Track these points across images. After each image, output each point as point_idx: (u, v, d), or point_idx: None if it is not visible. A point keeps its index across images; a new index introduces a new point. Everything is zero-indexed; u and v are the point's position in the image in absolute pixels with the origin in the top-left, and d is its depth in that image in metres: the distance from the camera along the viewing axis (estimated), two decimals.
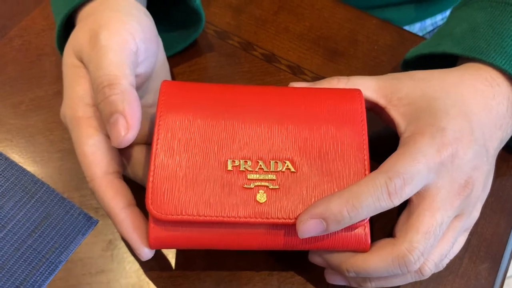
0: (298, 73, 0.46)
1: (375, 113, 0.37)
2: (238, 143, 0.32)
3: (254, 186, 0.31)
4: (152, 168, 0.32)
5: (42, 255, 0.37)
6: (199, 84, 0.35)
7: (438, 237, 0.31)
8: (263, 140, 0.33)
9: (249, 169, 0.32)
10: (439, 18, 0.68)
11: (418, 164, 0.30)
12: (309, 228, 0.30)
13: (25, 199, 0.39)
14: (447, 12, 0.67)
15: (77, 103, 0.34)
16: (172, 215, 0.31)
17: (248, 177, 0.32)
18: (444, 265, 0.34)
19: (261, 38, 0.48)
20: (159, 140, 0.32)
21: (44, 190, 0.39)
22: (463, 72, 0.36)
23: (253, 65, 0.46)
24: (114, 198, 0.32)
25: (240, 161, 0.32)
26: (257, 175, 0.32)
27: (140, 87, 0.37)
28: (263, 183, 0.32)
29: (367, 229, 0.32)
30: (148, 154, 0.36)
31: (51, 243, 0.37)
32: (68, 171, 0.41)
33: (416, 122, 0.33)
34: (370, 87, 0.36)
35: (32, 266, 0.36)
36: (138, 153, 0.36)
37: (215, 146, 0.32)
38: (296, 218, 0.31)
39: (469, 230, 0.35)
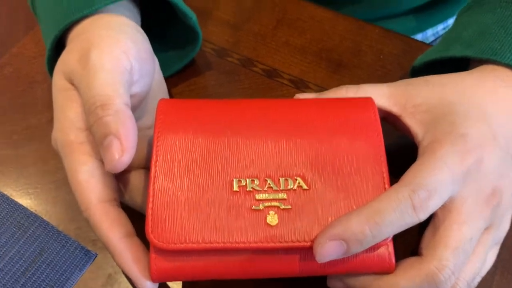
0: (301, 87, 0.44)
1: (389, 122, 0.35)
2: (243, 161, 0.30)
3: (264, 207, 0.29)
4: (151, 193, 0.29)
5: None
6: (199, 101, 0.33)
7: (468, 253, 0.28)
8: (271, 156, 0.30)
9: (257, 188, 0.29)
10: (441, 28, 0.67)
11: (441, 173, 0.28)
12: (328, 251, 0.27)
13: (18, 234, 0.36)
14: (449, 22, 0.66)
15: (68, 128, 0.31)
16: (175, 244, 0.28)
17: (257, 197, 0.29)
18: (476, 284, 0.31)
19: (261, 54, 0.46)
20: (157, 163, 0.30)
21: (38, 224, 0.37)
22: (479, 74, 0.34)
23: (254, 81, 0.44)
24: (111, 227, 0.30)
25: (246, 180, 0.29)
26: (266, 195, 0.29)
27: (137, 107, 0.35)
28: (273, 203, 0.29)
29: (391, 248, 0.29)
30: (147, 179, 0.33)
31: (47, 281, 0.34)
32: (63, 202, 0.38)
33: (434, 129, 0.31)
34: (382, 94, 0.33)
35: None
36: (136, 179, 0.34)
37: (218, 165, 0.30)
38: (312, 241, 0.28)
39: (499, 244, 0.32)
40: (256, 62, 0.46)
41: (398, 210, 0.27)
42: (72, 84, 0.32)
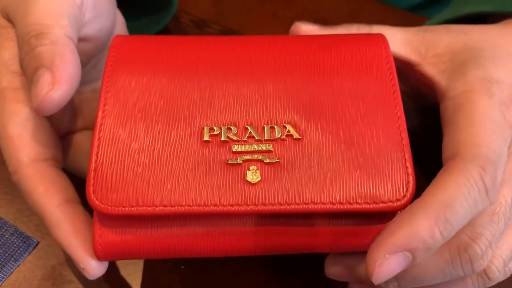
0: None
1: (402, 74, 0.29)
2: (217, 105, 0.24)
3: (243, 161, 0.23)
4: (95, 142, 0.23)
5: None
6: (163, 37, 0.27)
7: (508, 220, 0.22)
8: (254, 100, 0.24)
9: (234, 138, 0.23)
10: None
11: (497, 137, 0.23)
12: (390, 268, 0.21)
13: None
14: None
15: (0, 71, 0.25)
16: (125, 207, 0.22)
17: (234, 149, 0.23)
18: None
19: (246, 26, 0.41)
20: (106, 106, 0.24)
21: None
22: (504, 27, 0.30)
23: None
24: (46, 192, 0.24)
25: (221, 128, 0.23)
26: (246, 146, 0.23)
27: (92, 57, 0.29)
28: (254, 156, 0.23)
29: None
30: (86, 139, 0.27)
31: None
32: (2, 181, 0.32)
33: (463, 76, 0.26)
34: (398, 40, 0.29)
35: None
36: (83, 140, 0.28)
37: (185, 110, 0.24)
38: (305, 203, 0.22)
39: None
40: (239, 34, 0.40)
41: (471, 198, 0.21)
42: (9, 20, 0.27)
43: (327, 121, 0.23)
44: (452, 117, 0.24)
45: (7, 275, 0.28)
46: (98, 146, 0.23)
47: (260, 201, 0.22)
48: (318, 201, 0.22)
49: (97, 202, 0.22)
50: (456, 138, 0.23)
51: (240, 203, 0.22)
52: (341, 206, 0.22)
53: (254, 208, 0.22)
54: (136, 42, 0.26)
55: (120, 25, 0.32)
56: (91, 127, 0.28)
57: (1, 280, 0.27)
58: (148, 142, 0.23)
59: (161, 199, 0.22)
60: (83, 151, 0.27)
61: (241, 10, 0.43)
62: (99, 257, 0.23)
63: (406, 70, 0.29)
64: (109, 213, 0.22)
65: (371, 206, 0.22)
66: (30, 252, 0.29)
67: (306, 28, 0.29)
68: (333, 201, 0.22)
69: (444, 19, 0.34)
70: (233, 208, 0.22)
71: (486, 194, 0.21)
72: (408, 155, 0.23)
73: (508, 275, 0.25)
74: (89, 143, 0.27)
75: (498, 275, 0.23)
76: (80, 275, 0.28)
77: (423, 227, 0.20)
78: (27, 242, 0.29)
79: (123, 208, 0.22)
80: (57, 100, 0.23)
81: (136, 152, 0.23)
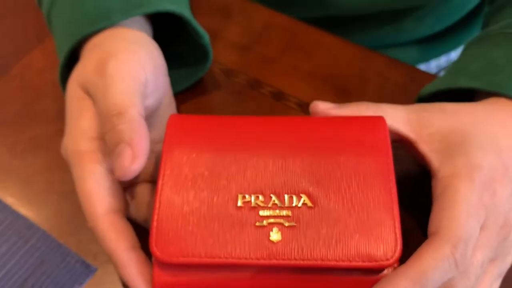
0: (308, 111, 0.44)
1: (404, 147, 0.35)
2: (249, 177, 0.30)
3: (267, 223, 0.29)
4: (157, 205, 0.29)
5: None
6: (208, 117, 0.33)
7: (477, 280, 0.29)
8: (277, 173, 0.30)
9: (261, 204, 0.29)
10: (444, 60, 0.68)
11: (472, 220, 0.29)
12: None
13: (19, 244, 0.36)
14: (452, 55, 0.68)
15: (79, 137, 0.32)
16: (178, 257, 0.28)
17: (260, 213, 0.29)
18: None
19: (269, 76, 0.47)
20: (164, 176, 0.30)
21: (40, 235, 0.37)
22: (491, 107, 0.35)
23: (260, 103, 0.45)
24: (117, 239, 0.30)
25: (251, 196, 0.29)
26: (271, 212, 0.29)
27: (146, 121, 0.35)
28: (277, 220, 0.29)
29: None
30: (153, 193, 0.34)
31: None
32: (65, 215, 0.38)
33: (451, 160, 0.31)
34: (400, 119, 0.34)
35: None
36: (142, 192, 0.34)
37: (224, 180, 0.30)
38: (315, 259, 0.28)
39: (502, 276, 0.32)
40: (263, 84, 0.46)
41: (443, 269, 0.27)
42: (87, 93, 0.33)
43: (334, 192, 0.30)
44: (439, 197, 0.30)
45: None
46: (159, 208, 0.29)
47: (280, 257, 0.28)
48: (326, 258, 0.28)
49: (157, 252, 0.28)
50: (439, 217, 0.29)
51: (265, 257, 0.28)
52: (343, 263, 0.28)
53: (276, 262, 0.28)
54: (188, 122, 0.32)
55: (168, 87, 0.38)
56: (144, 180, 0.35)
57: None
58: (196, 206, 0.29)
59: (205, 251, 0.28)
60: (143, 202, 0.33)
61: (265, 61, 0.48)
62: None
63: (406, 145, 0.35)
64: (166, 262, 0.28)
65: (366, 263, 0.28)
66: (91, 277, 0.35)
67: (323, 106, 0.34)
68: (337, 259, 0.28)
69: (438, 89, 0.39)
70: (259, 261, 0.28)
71: (456, 267, 0.27)
72: (397, 223, 0.29)
73: None
74: (145, 194, 0.34)
75: None
76: None
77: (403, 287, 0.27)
78: (88, 269, 0.35)
79: (176, 258, 0.28)
80: (136, 170, 0.29)
81: (187, 213, 0.29)
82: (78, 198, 0.36)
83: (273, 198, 0.30)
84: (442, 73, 0.67)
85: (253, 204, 0.29)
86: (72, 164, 0.32)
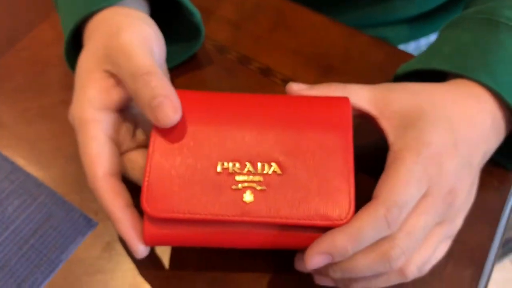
0: None
1: (367, 121, 0.39)
2: (228, 147, 0.34)
3: (242, 187, 0.33)
4: (148, 168, 0.34)
5: (44, 254, 0.38)
6: (195, 92, 0.37)
7: (419, 240, 0.33)
8: (252, 144, 0.35)
9: (238, 171, 0.34)
10: (433, 38, 0.70)
11: (410, 188, 0.32)
12: (315, 261, 0.32)
13: (29, 201, 0.41)
14: (431, 37, 0.69)
15: (86, 106, 0.35)
16: (165, 213, 0.33)
17: (236, 178, 0.33)
18: (427, 270, 0.36)
19: (258, 53, 0.50)
20: (155, 143, 0.34)
21: (48, 193, 0.41)
22: (452, 87, 0.38)
23: (249, 78, 0.49)
24: (114, 198, 0.34)
25: (229, 164, 0.34)
26: (245, 177, 0.33)
27: None
28: (250, 184, 0.33)
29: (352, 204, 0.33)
30: (142, 157, 0.38)
31: (52, 243, 0.39)
32: (70, 176, 0.43)
33: (404, 136, 0.34)
34: (364, 97, 0.37)
35: (34, 265, 0.38)
36: (140, 157, 0.38)
37: (206, 149, 0.34)
38: (281, 217, 0.32)
39: (452, 238, 0.36)
40: (252, 61, 0.50)
41: (376, 228, 0.31)
42: (103, 68, 0.36)
43: (300, 162, 0.34)
44: (387, 167, 0.34)
45: (77, 246, 0.39)
46: (149, 171, 0.33)
47: (252, 214, 0.33)
48: (290, 217, 0.33)
49: (148, 208, 0.33)
50: (381, 184, 0.33)
51: (239, 215, 0.33)
52: (304, 221, 0.33)
53: (247, 219, 0.33)
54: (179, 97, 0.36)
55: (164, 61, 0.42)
56: (141, 146, 0.39)
57: (73, 249, 0.39)
58: (181, 170, 0.34)
59: (188, 209, 0.33)
60: (137, 165, 0.37)
61: (254, 38, 0.52)
62: (146, 243, 0.34)
63: (371, 121, 0.38)
64: (155, 216, 0.33)
65: (324, 222, 0.33)
66: (92, 231, 0.40)
67: (296, 87, 0.38)
68: (299, 217, 0.33)
69: (412, 69, 0.41)
70: (234, 218, 0.33)
71: (388, 226, 0.31)
72: (352, 189, 0.33)
73: (423, 274, 0.36)
74: (141, 159, 0.38)
75: (412, 275, 0.33)
76: (127, 249, 0.39)
77: (340, 242, 0.31)
78: (90, 223, 0.40)
79: (164, 213, 0.33)
80: (177, 120, 0.34)
81: (174, 177, 0.33)
82: (81, 163, 0.40)
83: (248, 165, 0.34)
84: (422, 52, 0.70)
85: (230, 170, 0.34)
86: (77, 130, 0.36)
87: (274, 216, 0.33)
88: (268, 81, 0.48)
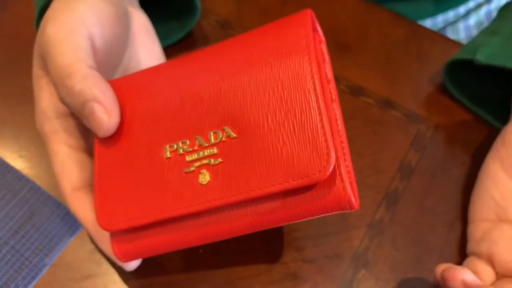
0: None
1: None
2: (174, 126, 0.28)
3: (195, 167, 0.27)
4: (96, 182, 0.29)
5: (25, 258, 0.34)
6: (126, 78, 0.32)
7: None
8: (199, 113, 0.28)
9: (187, 149, 0.28)
10: (451, 15, 0.65)
11: None
12: None
13: (9, 196, 0.36)
14: (460, 9, 0.65)
15: (42, 118, 0.32)
16: (121, 224, 0.28)
17: (187, 159, 0.28)
18: None
19: None
20: (99, 150, 0.30)
21: (29, 187, 0.37)
22: None
23: None
24: (85, 214, 0.31)
25: (177, 144, 0.28)
26: (196, 155, 0.27)
27: (108, 70, 0.34)
28: (203, 162, 0.27)
29: (346, 184, 0.26)
30: None
31: (35, 245, 0.35)
32: None
33: None
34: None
35: (14, 269, 0.34)
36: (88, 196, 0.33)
37: (153, 136, 0.29)
38: (253, 190, 0.25)
39: None
40: None
41: None
42: (43, 69, 0.32)
43: (256, 113, 0.26)
44: None
45: (63, 248, 0.35)
46: (97, 184, 0.29)
47: (212, 197, 0.26)
48: (256, 187, 0.26)
49: (104, 224, 0.28)
50: None
51: (197, 202, 0.27)
52: (274, 187, 0.25)
53: (208, 205, 0.26)
54: (119, 84, 0.31)
55: (155, 41, 0.37)
56: None
57: (59, 252, 0.35)
58: (130, 172, 0.28)
59: (144, 212, 0.28)
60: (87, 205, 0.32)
61: (262, 11, 0.47)
62: (120, 260, 0.30)
63: None
64: (113, 230, 0.28)
65: (298, 181, 0.25)
66: (80, 231, 0.36)
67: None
68: (268, 184, 0.25)
69: (491, 63, 0.35)
70: (193, 208, 0.27)
71: None
72: (327, 129, 0.25)
73: None
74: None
75: None
76: None
77: None
78: (78, 222, 0.36)
79: (120, 225, 0.28)
80: (115, 124, 0.29)
81: (124, 182, 0.28)
82: None
83: (198, 139, 0.28)
84: (448, 28, 0.65)
85: (179, 151, 0.28)
86: (43, 144, 0.32)
87: (238, 192, 0.26)
88: None
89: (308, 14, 0.28)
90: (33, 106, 0.41)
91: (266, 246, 0.35)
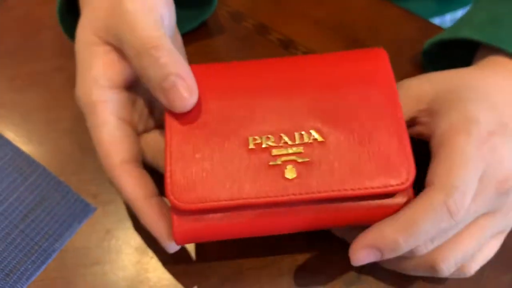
0: None
1: None
2: (257, 119, 0.30)
3: (281, 162, 0.29)
4: (168, 155, 0.29)
5: (35, 242, 0.34)
6: (211, 65, 0.32)
7: (455, 229, 0.29)
8: (285, 112, 0.30)
9: (273, 144, 0.29)
10: (460, 14, 0.66)
11: (469, 169, 0.28)
12: (362, 257, 0.28)
13: (19, 180, 0.36)
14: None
15: (92, 86, 0.31)
16: (196, 204, 0.28)
17: (273, 153, 0.29)
18: (472, 271, 0.31)
19: (278, 22, 0.45)
20: (172, 124, 0.29)
21: (40, 172, 0.37)
22: (483, 69, 0.34)
23: (268, 50, 0.44)
24: (134, 188, 0.30)
25: (262, 138, 0.29)
26: (283, 150, 0.29)
27: None
28: (290, 158, 0.29)
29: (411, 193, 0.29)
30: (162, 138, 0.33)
31: (45, 230, 0.35)
32: (65, 154, 0.38)
33: (448, 116, 0.30)
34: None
35: (24, 253, 0.34)
36: (158, 138, 0.33)
37: (233, 125, 0.30)
38: (332, 191, 0.28)
39: (505, 233, 0.32)
40: (271, 30, 0.45)
41: (434, 219, 0.27)
42: (104, 39, 0.31)
43: (343, 124, 0.29)
44: (436, 153, 0.29)
45: (73, 233, 0.35)
46: (170, 158, 0.29)
47: (298, 191, 0.28)
48: (342, 188, 0.28)
49: (175, 201, 0.28)
50: (435, 170, 0.28)
51: (283, 194, 0.28)
52: (359, 191, 0.28)
53: (293, 197, 0.28)
54: (193, 71, 0.31)
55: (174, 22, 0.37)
56: (161, 124, 0.34)
57: (68, 237, 0.35)
58: (208, 152, 0.29)
59: (223, 195, 0.28)
60: (156, 149, 0.33)
61: (274, 5, 0.46)
62: (177, 243, 0.29)
63: None
64: (184, 209, 0.28)
65: (382, 189, 0.28)
66: (90, 217, 0.36)
67: None
68: (353, 187, 0.28)
69: (441, 39, 0.38)
70: (278, 198, 0.28)
71: (450, 216, 0.27)
72: (408, 148, 0.29)
73: (468, 274, 0.31)
74: (160, 141, 0.33)
75: (446, 271, 0.29)
76: (128, 238, 0.35)
77: (389, 235, 0.27)
78: (88, 208, 0.36)
79: (194, 204, 0.28)
80: (194, 102, 0.29)
81: (200, 160, 0.29)
82: (78, 138, 0.36)
83: (284, 137, 0.29)
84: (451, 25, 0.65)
85: (264, 145, 0.29)
86: (86, 114, 0.31)
87: (324, 190, 0.28)
88: (289, 54, 0.44)
89: (385, 52, 0.32)
90: (43, 90, 0.41)
91: (274, 238, 0.35)
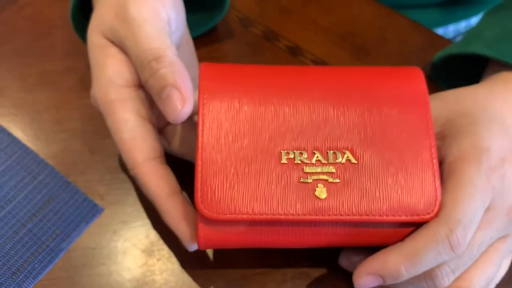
0: None
1: None
2: (291, 132, 0.29)
3: (312, 180, 0.29)
4: (199, 162, 0.29)
5: (42, 241, 0.34)
6: (242, 66, 0.32)
7: (473, 257, 0.29)
8: (318, 127, 0.30)
9: (305, 161, 0.29)
10: (463, 25, 0.66)
11: (474, 202, 0.28)
12: (365, 282, 0.29)
13: (27, 179, 0.36)
14: (472, 20, 0.66)
15: (108, 86, 0.31)
16: (225, 214, 0.28)
17: (305, 170, 0.29)
18: None
19: (286, 28, 0.46)
20: (204, 132, 0.29)
21: (48, 171, 0.37)
22: (493, 86, 0.34)
23: (276, 57, 0.44)
24: (158, 186, 0.30)
25: (294, 153, 0.29)
26: (315, 168, 0.29)
27: None
28: (321, 177, 0.29)
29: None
30: (188, 128, 0.33)
31: (53, 229, 0.35)
32: (73, 154, 0.38)
33: (458, 144, 0.31)
34: None
35: (31, 252, 0.34)
36: (179, 128, 0.33)
37: (266, 136, 0.29)
38: (360, 214, 0.28)
39: None
40: (280, 37, 0.45)
41: (436, 251, 0.27)
42: (111, 41, 0.32)
43: (377, 147, 0.29)
44: (446, 180, 0.30)
45: (80, 233, 0.35)
46: (201, 165, 0.28)
47: (326, 212, 0.28)
48: (370, 213, 0.28)
49: (204, 210, 0.28)
50: (442, 199, 0.29)
51: (311, 213, 0.28)
52: (387, 217, 0.28)
53: (322, 218, 0.28)
54: (222, 72, 0.31)
55: (184, 24, 0.37)
56: None
57: (76, 237, 0.35)
58: (239, 163, 0.29)
59: (252, 209, 0.28)
60: (178, 138, 0.33)
61: (283, 11, 0.47)
62: (200, 246, 0.29)
63: None
64: (214, 219, 0.28)
65: (409, 217, 0.28)
66: (97, 217, 0.36)
67: None
68: (381, 213, 0.28)
69: (450, 53, 0.38)
70: (306, 217, 0.28)
71: (451, 249, 0.27)
72: (437, 179, 0.29)
73: None
74: (181, 130, 0.33)
75: None
76: (135, 238, 0.35)
77: (392, 264, 0.28)
78: (95, 209, 0.36)
79: (223, 215, 0.28)
80: (188, 113, 0.29)
81: (231, 171, 0.28)
82: (87, 139, 0.36)
83: (317, 154, 0.29)
84: (459, 38, 0.66)
85: (296, 160, 0.29)
86: (104, 114, 0.31)
87: (353, 213, 0.28)
88: (296, 61, 0.44)
89: (421, 72, 0.32)
90: (53, 90, 0.41)
91: None
